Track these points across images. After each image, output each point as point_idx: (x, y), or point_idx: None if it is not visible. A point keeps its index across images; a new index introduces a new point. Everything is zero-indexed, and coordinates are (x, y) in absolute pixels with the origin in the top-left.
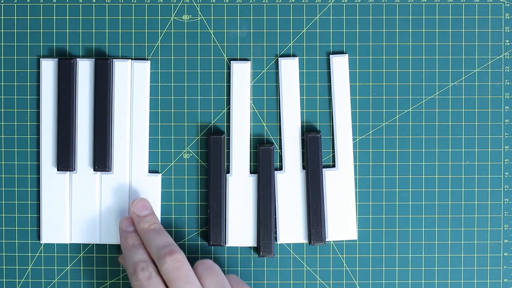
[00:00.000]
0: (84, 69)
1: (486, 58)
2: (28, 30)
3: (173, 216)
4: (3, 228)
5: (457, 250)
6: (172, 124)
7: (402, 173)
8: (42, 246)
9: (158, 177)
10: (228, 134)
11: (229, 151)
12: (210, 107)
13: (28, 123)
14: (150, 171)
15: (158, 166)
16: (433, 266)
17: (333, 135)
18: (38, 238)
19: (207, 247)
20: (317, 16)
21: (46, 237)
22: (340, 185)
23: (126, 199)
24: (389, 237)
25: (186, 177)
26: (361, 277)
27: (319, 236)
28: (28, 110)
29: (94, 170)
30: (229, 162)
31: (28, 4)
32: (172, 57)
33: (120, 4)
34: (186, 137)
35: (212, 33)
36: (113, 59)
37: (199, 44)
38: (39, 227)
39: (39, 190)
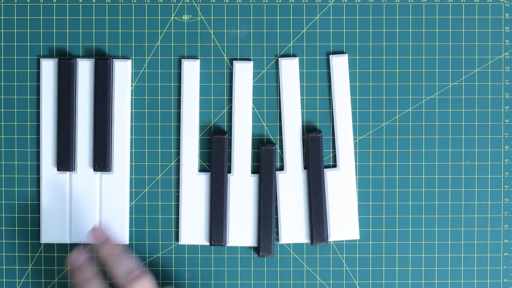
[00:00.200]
0: (84, 69)
1: (486, 58)
2: (28, 30)
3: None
4: (3, 228)
5: (457, 250)
6: (172, 124)
7: (402, 173)
8: (42, 246)
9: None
10: (229, 134)
11: (230, 151)
12: (210, 107)
13: (28, 123)
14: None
15: (158, 166)
16: (433, 266)
17: (333, 135)
18: (38, 238)
19: (207, 247)
20: (317, 16)
21: (46, 237)
22: (341, 185)
23: (126, 199)
24: (389, 237)
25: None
26: (361, 277)
27: (321, 236)
28: (28, 110)
29: (94, 170)
30: (230, 162)
31: (28, 4)
32: (172, 57)
33: (120, 4)
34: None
35: (212, 33)
36: (113, 59)
37: (199, 44)
38: (39, 227)
39: (39, 190)
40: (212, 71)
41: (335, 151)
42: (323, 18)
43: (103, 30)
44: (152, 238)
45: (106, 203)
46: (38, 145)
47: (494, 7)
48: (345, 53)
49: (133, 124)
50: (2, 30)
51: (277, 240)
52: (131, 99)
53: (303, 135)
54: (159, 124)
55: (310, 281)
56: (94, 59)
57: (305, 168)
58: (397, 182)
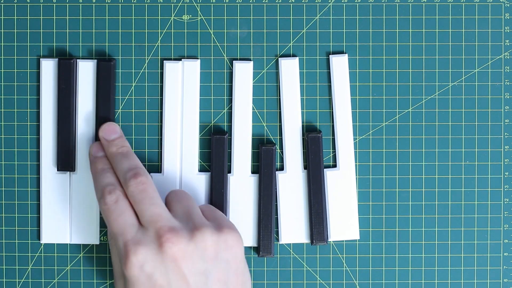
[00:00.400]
0: (84, 69)
1: (486, 58)
2: (28, 30)
3: None
4: (3, 228)
5: (457, 250)
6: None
7: (402, 173)
8: (42, 246)
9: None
10: (229, 134)
11: (230, 151)
12: (210, 107)
13: (28, 123)
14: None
15: (158, 166)
16: (433, 266)
17: (333, 135)
18: (38, 238)
19: None
20: (317, 16)
21: (46, 237)
22: (341, 185)
23: None
24: (389, 237)
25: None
26: (361, 277)
27: (321, 236)
28: (28, 110)
29: None
30: (230, 162)
31: (28, 4)
32: (172, 57)
33: (120, 4)
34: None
35: (212, 33)
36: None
37: (199, 44)
38: (39, 227)
39: (39, 190)
40: (212, 71)
41: (335, 151)
42: (323, 18)
43: (103, 30)
44: None
45: None
46: (38, 145)
47: (494, 7)
48: (345, 53)
49: (133, 124)
50: (2, 30)
51: (277, 240)
52: (132, 99)
53: (303, 135)
54: (159, 124)
55: (310, 281)
56: (95, 59)
57: (305, 168)
58: (397, 182)
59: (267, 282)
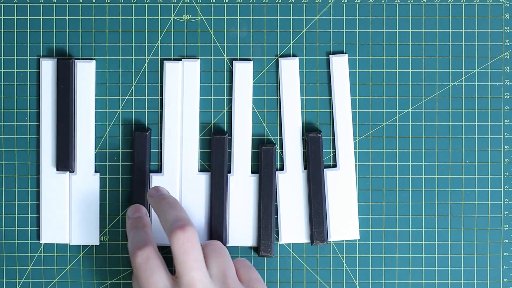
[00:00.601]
0: (83, 69)
1: (486, 58)
2: (28, 30)
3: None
4: (3, 228)
5: (457, 250)
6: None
7: (402, 173)
8: (42, 246)
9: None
10: (229, 134)
11: (230, 151)
12: (210, 107)
13: (28, 123)
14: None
15: (158, 166)
16: (433, 266)
17: (333, 135)
18: (38, 238)
19: None
20: (317, 16)
21: (46, 237)
22: (341, 185)
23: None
24: (389, 237)
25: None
26: (361, 277)
27: (321, 236)
28: (28, 110)
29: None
30: (230, 162)
31: (28, 4)
32: (172, 57)
33: (120, 4)
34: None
35: (212, 33)
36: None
37: (199, 44)
38: (39, 227)
39: (39, 190)
40: (212, 71)
41: (335, 151)
42: (323, 18)
43: (103, 30)
44: None
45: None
46: (38, 145)
47: (494, 7)
48: (345, 53)
49: (133, 124)
50: (2, 30)
51: (277, 240)
52: (132, 99)
53: (303, 135)
54: (159, 124)
55: (310, 281)
56: (93, 59)
57: (305, 168)
58: (397, 182)
59: (267, 282)
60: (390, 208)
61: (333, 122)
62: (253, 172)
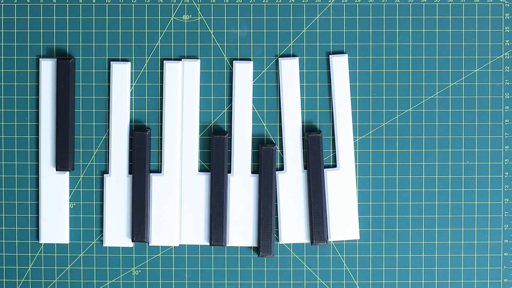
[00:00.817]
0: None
1: (486, 58)
2: (28, 30)
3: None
4: (3, 228)
5: (457, 250)
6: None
7: (402, 173)
8: (42, 246)
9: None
10: (229, 134)
11: (230, 151)
12: (210, 107)
13: (28, 123)
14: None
15: (158, 166)
16: (433, 266)
17: (333, 135)
18: (38, 238)
19: (207, 247)
20: (317, 16)
21: (45, 237)
22: (341, 185)
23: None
24: (389, 237)
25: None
26: (361, 277)
27: (321, 236)
28: (28, 110)
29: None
30: (230, 162)
31: (28, 4)
32: (172, 57)
33: (120, 4)
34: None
35: (212, 33)
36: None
37: (199, 44)
38: (39, 227)
39: (39, 190)
40: (212, 71)
41: (335, 151)
42: (323, 18)
43: (103, 30)
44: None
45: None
46: (37, 145)
47: (494, 7)
48: (345, 53)
49: (133, 124)
50: (2, 30)
51: (277, 240)
52: (131, 99)
53: (303, 135)
54: (159, 124)
55: (310, 281)
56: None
57: (305, 168)
58: (397, 182)
59: (267, 282)
60: (390, 208)
61: (333, 122)
62: (253, 172)
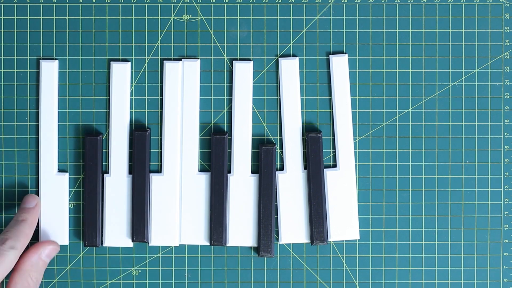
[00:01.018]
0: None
1: (486, 58)
2: (28, 30)
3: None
4: (3, 228)
5: (457, 250)
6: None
7: (402, 173)
8: None
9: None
10: (229, 134)
11: (230, 151)
12: (210, 107)
13: (28, 123)
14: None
15: (158, 166)
16: (433, 266)
17: (333, 135)
18: (38, 238)
19: (207, 247)
20: (317, 16)
21: (45, 238)
22: (341, 185)
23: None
24: (389, 237)
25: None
26: (361, 277)
27: (321, 236)
28: (28, 110)
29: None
30: (230, 162)
31: (28, 4)
32: (172, 57)
33: (120, 4)
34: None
35: (212, 33)
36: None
37: (199, 44)
38: (39, 227)
39: (38, 191)
40: (212, 71)
41: (335, 151)
42: (323, 18)
43: (103, 30)
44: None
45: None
46: (37, 145)
47: (494, 7)
48: (345, 53)
49: (133, 124)
50: (2, 30)
51: (277, 240)
52: (131, 99)
53: (303, 135)
54: (159, 124)
55: (310, 281)
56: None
57: (305, 168)
58: (397, 182)
59: (267, 282)
60: (390, 208)
61: (333, 122)
62: (253, 172)
